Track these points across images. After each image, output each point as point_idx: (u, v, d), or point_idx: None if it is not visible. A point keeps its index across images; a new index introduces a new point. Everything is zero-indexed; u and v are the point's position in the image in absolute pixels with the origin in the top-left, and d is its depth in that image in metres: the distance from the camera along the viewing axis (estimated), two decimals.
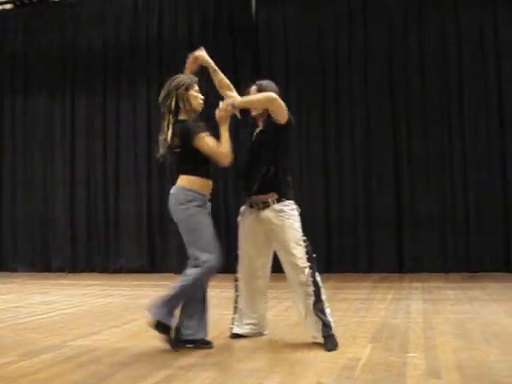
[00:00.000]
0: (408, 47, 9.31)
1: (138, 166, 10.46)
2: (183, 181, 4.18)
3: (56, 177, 10.94)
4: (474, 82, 9.03)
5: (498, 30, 8.99)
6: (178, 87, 4.20)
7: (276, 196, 4.16)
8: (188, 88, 4.21)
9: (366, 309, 5.73)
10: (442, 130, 9.14)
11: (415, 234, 9.09)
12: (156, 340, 4.41)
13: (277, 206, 4.15)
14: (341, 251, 9.26)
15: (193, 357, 3.88)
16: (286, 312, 5.49)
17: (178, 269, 9.70)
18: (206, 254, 4.10)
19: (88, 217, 10.70)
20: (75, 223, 10.74)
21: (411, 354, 3.79)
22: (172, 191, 4.23)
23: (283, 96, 4.23)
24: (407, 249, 9.09)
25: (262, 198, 4.19)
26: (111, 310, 6.10)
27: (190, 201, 4.14)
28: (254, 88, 4.31)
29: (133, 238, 10.37)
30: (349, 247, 9.26)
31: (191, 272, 4.16)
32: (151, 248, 10.24)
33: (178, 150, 4.15)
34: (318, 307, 4.04)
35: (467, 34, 9.10)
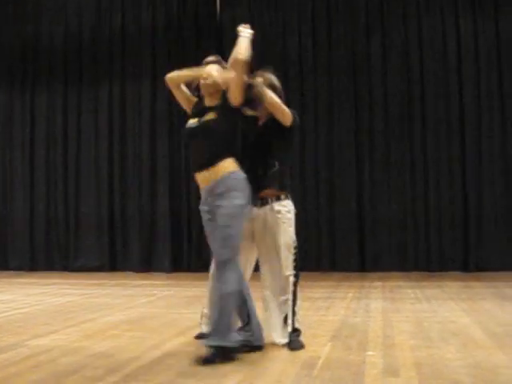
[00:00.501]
0: (370, 50, 9.40)
1: (99, 163, 10.31)
2: None
3: (15, 174, 10.71)
4: (436, 84, 9.16)
5: (460, 34, 9.13)
6: None
7: (276, 193, 4.08)
8: None
9: (327, 307, 5.76)
10: (403, 132, 9.25)
11: (376, 234, 9.18)
12: (114, 339, 4.37)
13: (275, 206, 4.05)
14: (304, 251, 9.28)
15: (151, 357, 3.84)
16: None
17: (139, 268, 9.76)
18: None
19: (47, 215, 10.50)
20: (34, 221, 10.54)
21: (370, 353, 3.82)
22: None
23: None
24: (368, 248, 9.17)
25: (263, 194, 4.06)
26: (70, 309, 6.01)
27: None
28: (260, 80, 4.15)
29: (93, 236, 10.23)
30: (312, 247, 9.29)
31: None
32: (112, 247, 10.11)
33: None
34: (291, 317, 4.01)
35: (429, 38, 9.22)
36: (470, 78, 9.08)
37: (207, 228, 3.93)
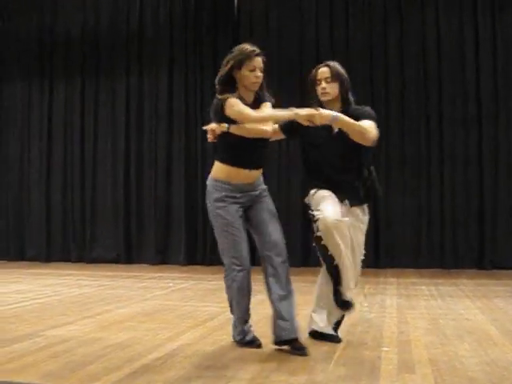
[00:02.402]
0: (388, 40, 9.35)
1: (115, 154, 10.36)
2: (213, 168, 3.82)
3: (32, 164, 10.80)
4: (453, 80, 9.10)
5: (479, 29, 9.06)
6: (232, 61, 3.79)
7: None
8: (241, 66, 3.78)
9: None
10: (420, 127, 9.20)
11: (391, 230, 9.15)
12: (130, 331, 4.40)
13: None
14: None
15: (167, 349, 3.86)
16: (261, 305, 5.49)
17: (154, 260, 9.81)
18: (225, 258, 3.83)
19: (64, 205, 10.59)
20: (51, 212, 10.63)
21: (385, 349, 3.81)
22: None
23: None
24: (383, 244, 9.13)
25: None
26: (86, 300, 6.05)
27: (214, 194, 3.76)
28: (325, 70, 4.05)
29: (109, 227, 10.30)
30: None
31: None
32: (127, 238, 10.17)
33: None
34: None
35: (447, 33, 9.16)
36: (487, 72, 8.99)
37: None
